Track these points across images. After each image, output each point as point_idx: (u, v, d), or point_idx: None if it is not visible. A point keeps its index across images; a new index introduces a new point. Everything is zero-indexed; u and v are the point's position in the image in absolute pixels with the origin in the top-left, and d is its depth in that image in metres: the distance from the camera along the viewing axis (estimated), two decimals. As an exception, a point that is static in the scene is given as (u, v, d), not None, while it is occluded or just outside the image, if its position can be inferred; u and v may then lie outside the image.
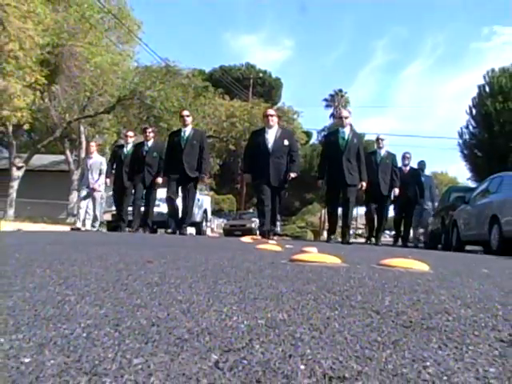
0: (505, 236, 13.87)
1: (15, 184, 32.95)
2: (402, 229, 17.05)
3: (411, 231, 18.38)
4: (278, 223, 13.90)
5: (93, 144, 17.59)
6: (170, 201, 13.86)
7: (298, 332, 1.78)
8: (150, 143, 15.23)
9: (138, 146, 15.45)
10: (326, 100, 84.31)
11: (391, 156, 15.57)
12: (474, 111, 39.84)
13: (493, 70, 39.27)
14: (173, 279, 3.08)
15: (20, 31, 23.97)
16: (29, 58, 25.01)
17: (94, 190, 16.28)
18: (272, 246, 7.76)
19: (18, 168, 33.19)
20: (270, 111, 13.83)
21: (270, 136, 12.92)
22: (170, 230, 14.71)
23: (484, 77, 39.65)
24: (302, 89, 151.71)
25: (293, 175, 12.91)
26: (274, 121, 13.13)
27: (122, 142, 16.77)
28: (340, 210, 14.54)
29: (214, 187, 55.00)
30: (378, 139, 15.74)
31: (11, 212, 31.98)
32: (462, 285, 3.78)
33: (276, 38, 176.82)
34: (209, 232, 29.48)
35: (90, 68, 30.46)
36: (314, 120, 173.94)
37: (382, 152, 15.34)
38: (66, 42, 29.21)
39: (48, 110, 33.52)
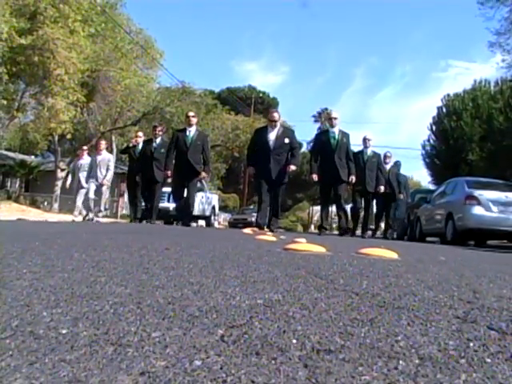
0: (457, 229, 13.96)
1: (59, 183, 33.00)
2: (384, 222, 16.26)
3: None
4: (278, 221, 13.02)
5: (102, 142, 16.48)
6: (177, 198, 13.21)
7: (290, 311, 1.74)
8: (158, 140, 14.14)
9: (147, 143, 14.38)
10: (314, 116, 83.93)
11: (377, 155, 14.62)
12: (434, 128, 39.89)
13: (448, 95, 39.37)
14: (186, 264, 3.03)
15: (66, 59, 24.14)
16: (72, 80, 25.18)
17: (102, 184, 15.36)
18: (268, 236, 7.71)
19: (62, 170, 33.28)
20: (275, 116, 12.15)
21: (272, 134, 11.78)
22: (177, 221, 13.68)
23: (442, 100, 39.77)
24: (294, 106, 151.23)
25: (292, 167, 11.80)
26: (277, 125, 12.04)
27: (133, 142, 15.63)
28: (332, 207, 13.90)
29: (221, 187, 54.98)
30: (365, 139, 14.46)
31: (56, 205, 32.03)
32: (425, 270, 3.75)
33: (274, 65, 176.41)
34: (216, 224, 29.40)
35: (120, 89, 30.57)
36: (304, 132, 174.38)
37: (369, 151, 14.34)
38: (101, 67, 29.33)
39: (86, 123, 33.62)
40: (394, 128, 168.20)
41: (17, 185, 42.74)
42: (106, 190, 15.81)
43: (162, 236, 7.27)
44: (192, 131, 13.04)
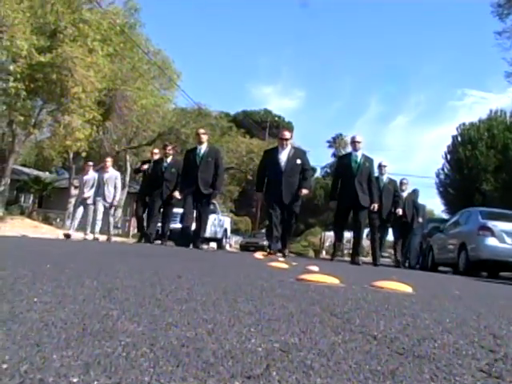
0: (470, 260, 13.87)
1: (72, 200, 33.05)
2: (399, 251, 15.87)
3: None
4: (289, 245, 12.55)
5: (108, 159, 16.20)
6: (187, 215, 12.58)
7: (308, 358, 1.65)
8: (168, 160, 14.04)
9: (158, 162, 14.26)
10: (328, 142, 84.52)
11: (393, 182, 14.56)
12: (448, 157, 39.87)
13: (464, 124, 39.37)
14: (199, 296, 2.96)
15: (84, 78, 24.37)
16: (89, 99, 25.34)
17: (111, 205, 15.33)
18: (280, 263, 7.64)
19: (76, 187, 33.35)
20: (286, 135, 11.79)
21: (283, 155, 11.41)
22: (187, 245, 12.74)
23: (457, 129, 39.76)
24: (309, 132, 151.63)
25: (305, 191, 11.38)
26: (288, 144, 11.65)
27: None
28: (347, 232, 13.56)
29: (234, 210, 54.95)
30: (380, 165, 14.30)
31: (68, 223, 32.09)
32: (441, 307, 3.67)
33: (290, 90, 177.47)
34: (228, 247, 29.36)
35: (137, 108, 30.80)
36: (318, 157, 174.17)
37: (385, 178, 14.22)
38: (119, 86, 29.58)
39: (101, 141, 33.92)
40: (408, 156, 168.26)
41: (30, 200, 43.03)
42: (114, 211, 15.69)
43: (173, 260, 7.21)
44: (203, 148, 12.69)
